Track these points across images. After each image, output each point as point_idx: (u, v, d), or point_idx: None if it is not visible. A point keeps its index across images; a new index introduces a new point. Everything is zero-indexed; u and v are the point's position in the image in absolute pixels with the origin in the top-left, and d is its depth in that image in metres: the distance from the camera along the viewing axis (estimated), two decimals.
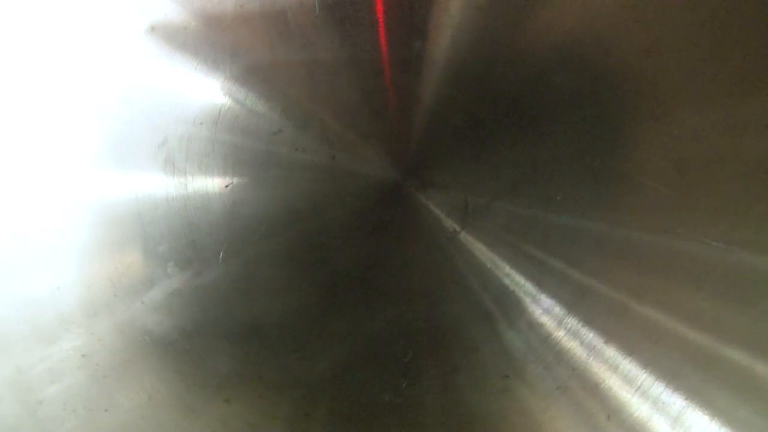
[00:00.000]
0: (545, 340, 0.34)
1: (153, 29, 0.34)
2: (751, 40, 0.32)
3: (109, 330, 0.35)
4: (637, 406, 0.34)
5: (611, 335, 0.34)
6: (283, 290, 0.34)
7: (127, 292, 0.35)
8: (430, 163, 0.34)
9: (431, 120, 0.33)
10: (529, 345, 0.34)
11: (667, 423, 0.34)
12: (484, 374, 0.35)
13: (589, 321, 0.34)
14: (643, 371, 0.34)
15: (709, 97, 0.32)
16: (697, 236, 0.33)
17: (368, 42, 0.33)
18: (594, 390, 0.34)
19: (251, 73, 0.33)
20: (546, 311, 0.34)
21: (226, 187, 0.34)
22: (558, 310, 0.34)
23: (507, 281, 0.34)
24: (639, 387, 0.34)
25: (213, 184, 0.34)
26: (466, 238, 0.34)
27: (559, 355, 0.34)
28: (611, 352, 0.34)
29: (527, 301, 0.34)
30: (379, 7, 0.33)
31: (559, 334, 0.34)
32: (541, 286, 0.34)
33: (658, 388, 0.34)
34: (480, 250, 0.34)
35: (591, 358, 0.34)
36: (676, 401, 0.34)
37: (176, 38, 0.34)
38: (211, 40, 0.34)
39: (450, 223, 0.34)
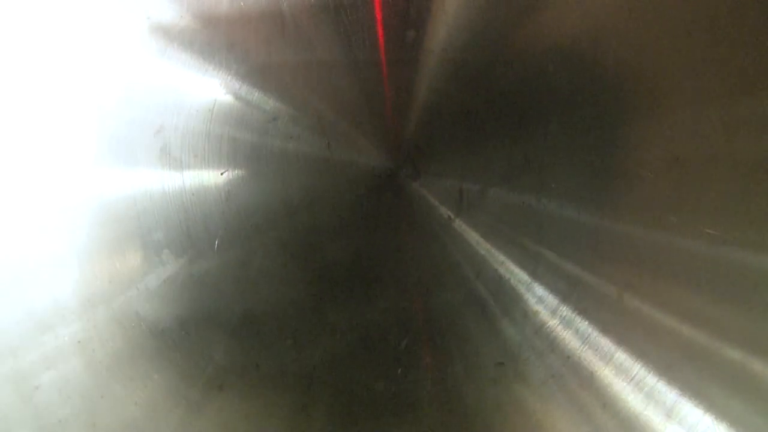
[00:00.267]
0: (539, 329, 0.34)
1: (151, 28, 0.34)
2: (750, 40, 0.32)
3: (105, 317, 0.35)
4: (632, 397, 0.34)
5: (604, 325, 0.34)
6: (278, 279, 0.34)
7: (122, 279, 0.35)
8: (424, 152, 0.34)
9: (426, 110, 0.33)
10: (523, 333, 0.34)
11: (661, 414, 0.34)
12: (479, 362, 0.35)
13: (582, 311, 0.34)
14: (637, 362, 0.34)
15: (706, 96, 0.32)
16: (691, 231, 0.33)
17: (365, 33, 0.33)
18: (589, 380, 0.34)
19: (247, 64, 0.33)
20: (540, 300, 0.34)
21: (222, 174, 0.34)
22: (552, 299, 0.34)
23: (501, 270, 0.34)
24: (633, 378, 0.34)
25: (208, 172, 0.34)
26: (461, 226, 0.34)
27: (553, 344, 0.34)
28: (605, 342, 0.34)
29: (521, 290, 0.34)
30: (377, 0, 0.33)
31: (553, 323, 0.34)
32: (535, 275, 0.34)
33: (652, 380, 0.34)
34: (474, 238, 0.34)
35: (585, 348, 0.34)
36: (669, 393, 0.34)
37: (174, 36, 0.34)
38: (207, 35, 0.34)
39: (444, 211, 0.34)
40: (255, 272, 0.34)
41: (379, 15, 0.33)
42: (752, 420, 0.34)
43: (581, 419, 0.35)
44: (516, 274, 0.34)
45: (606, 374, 0.34)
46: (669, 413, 0.34)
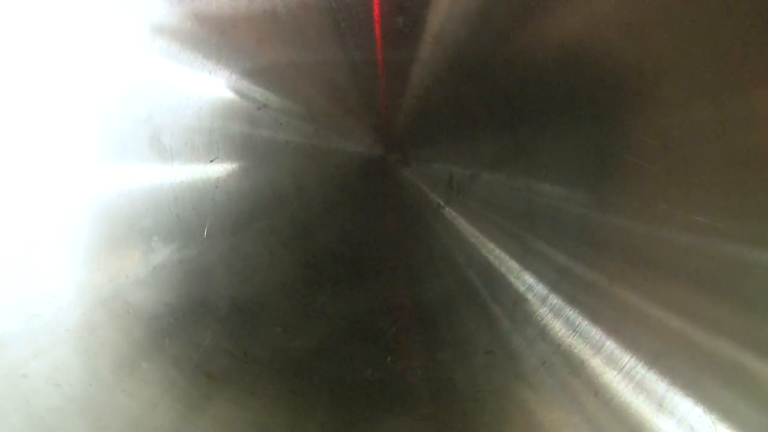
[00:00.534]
0: (530, 317, 0.34)
1: (150, 28, 0.34)
2: (745, 39, 0.32)
3: (93, 304, 0.35)
4: (623, 386, 0.34)
5: (595, 314, 0.34)
6: (267, 266, 0.34)
7: (111, 266, 0.35)
8: (414, 139, 0.34)
9: (417, 96, 0.33)
10: (513, 321, 0.34)
11: (653, 404, 0.34)
12: (469, 350, 0.35)
13: (572, 299, 0.34)
14: (627, 352, 0.34)
15: (699, 91, 0.32)
16: (681, 221, 0.33)
17: (356, 20, 0.33)
18: (579, 368, 0.34)
19: (237, 49, 0.33)
20: (530, 288, 0.34)
21: (211, 161, 0.34)
22: (541, 287, 0.34)
23: (491, 258, 0.34)
24: (624, 367, 0.34)
25: (198, 159, 0.34)
26: (451, 213, 0.34)
27: (543, 333, 0.34)
28: (595, 331, 0.34)
29: (511, 278, 0.34)
30: None
31: (544, 312, 0.34)
32: (525, 263, 0.34)
33: (643, 369, 0.34)
34: (464, 226, 0.34)
35: (575, 337, 0.34)
36: (660, 383, 0.34)
37: (165, 29, 0.34)
38: (197, 27, 0.34)
39: (434, 198, 0.34)
40: (244, 259, 0.34)
41: (375, 4, 0.33)
42: (743, 410, 0.34)
43: (573, 407, 0.35)
44: (506, 262, 0.34)
45: (597, 363, 0.34)
46: (660, 402, 0.34)
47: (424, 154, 0.34)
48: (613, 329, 0.34)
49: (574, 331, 0.34)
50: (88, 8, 0.34)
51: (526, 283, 0.34)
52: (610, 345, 0.34)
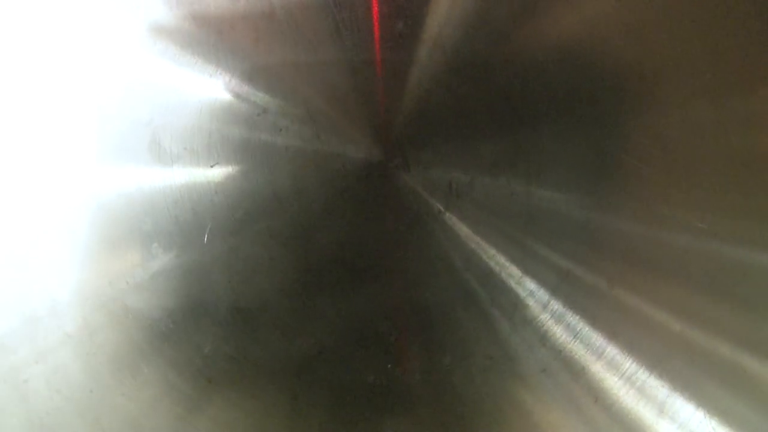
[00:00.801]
0: (530, 321, 0.34)
1: (141, 24, 0.34)
2: (745, 40, 0.32)
3: (93, 309, 0.35)
4: (624, 392, 0.34)
5: (595, 319, 0.34)
6: (267, 270, 0.34)
7: (111, 271, 0.35)
8: (413, 140, 0.34)
9: (417, 101, 0.33)
10: (513, 326, 0.34)
11: (654, 409, 0.34)
12: (469, 355, 0.35)
13: (573, 304, 0.34)
14: (629, 357, 0.34)
15: (700, 93, 0.32)
16: (682, 225, 0.33)
17: (356, 24, 0.33)
18: (580, 373, 0.34)
19: (235, 50, 0.33)
20: (530, 293, 0.34)
21: (212, 166, 0.34)
22: (542, 292, 0.34)
23: (491, 263, 0.34)
24: (625, 372, 0.34)
25: (198, 164, 0.34)
26: (450, 218, 0.34)
27: (543, 338, 0.34)
28: (596, 336, 0.34)
29: (511, 283, 0.34)
30: None
31: (544, 317, 0.34)
32: (525, 268, 0.34)
33: (644, 374, 0.34)
34: (464, 230, 0.34)
35: (576, 342, 0.34)
36: (662, 387, 0.34)
37: (165, 33, 0.34)
38: (197, 31, 0.34)
39: (434, 203, 0.34)
40: (244, 263, 0.34)
41: (374, 6, 0.33)
42: (744, 414, 0.34)
43: (573, 412, 0.35)
44: (506, 267, 0.34)
45: (598, 369, 0.34)
46: (661, 407, 0.34)
47: (424, 157, 0.34)
48: (613, 333, 0.34)
49: (575, 336, 0.34)
50: (88, 9, 0.34)
51: (527, 288, 0.34)
52: (611, 350, 0.34)
